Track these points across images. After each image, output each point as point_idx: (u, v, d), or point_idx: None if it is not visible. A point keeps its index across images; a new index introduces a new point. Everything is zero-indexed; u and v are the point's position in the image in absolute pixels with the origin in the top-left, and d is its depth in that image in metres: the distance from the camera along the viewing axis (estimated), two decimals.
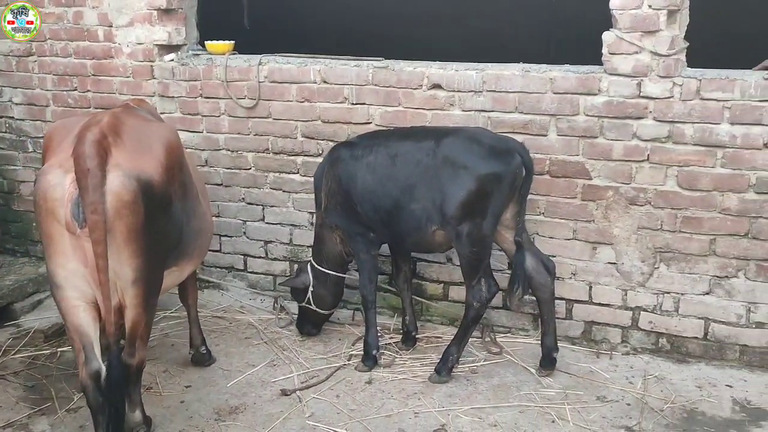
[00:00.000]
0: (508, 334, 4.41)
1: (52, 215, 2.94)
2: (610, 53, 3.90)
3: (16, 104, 5.32)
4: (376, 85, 4.39)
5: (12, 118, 5.36)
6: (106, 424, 3.06)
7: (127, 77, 4.94)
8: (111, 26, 4.88)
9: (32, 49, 5.14)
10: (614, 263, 4.15)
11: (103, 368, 3.03)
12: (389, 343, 4.31)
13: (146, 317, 3.18)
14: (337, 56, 4.57)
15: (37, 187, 3.00)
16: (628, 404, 3.70)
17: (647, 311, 4.14)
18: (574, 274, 4.24)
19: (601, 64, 3.96)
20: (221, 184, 4.93)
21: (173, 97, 4.87)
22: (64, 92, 5.14)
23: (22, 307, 4.76)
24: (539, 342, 4.03)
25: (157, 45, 4.81)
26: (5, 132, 5.42)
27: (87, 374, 3.01)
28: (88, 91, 5.07)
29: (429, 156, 3.72)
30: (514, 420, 3.57)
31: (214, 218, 4.84)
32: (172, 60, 4.83)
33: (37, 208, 3.00)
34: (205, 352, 4.11)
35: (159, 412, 3.64)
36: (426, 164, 3.72)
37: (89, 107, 5.06)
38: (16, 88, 5.28)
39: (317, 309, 4.29)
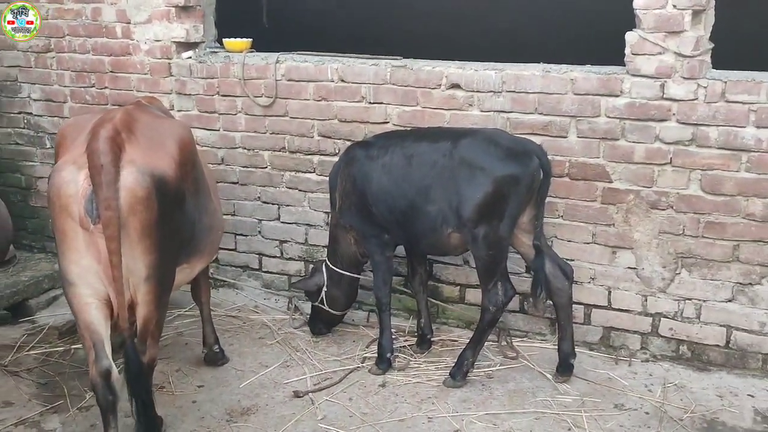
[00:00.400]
0: (525, 339, 4.35)
1: (65, 212, 2.93)
2: (633, 54, 3.82)
3: (35, 100, 5.34)
4: (393, 84, 4.35)
5: (30, 114, 5.39)
6: (136, 418, 3.06)
7: (145, 74, 4.93)
8: (129, 23, 4.88)
9: (51, 45, 5.16)
10: (634, 268, 4.08)
11: (114, 367, 3.02)
12: (404, 346, 4.27)
13: (158, 314, 3.16)
14: (354, 55, 4.53)
15: (51, 183, 3.00)
16: (647, 413, 3.63)
17: (668, 318, 4.06)
18: (592, 279, 4.17)
19: (623, 64, 3.89)
20: (237, 183, 4.91)
21: (190, 94, 4.86)
22: (82, 89, 5.15)
23: (37, 303, 4.77)
24: (556, 347, 3.97)
25: (174, 42, 4.80)
26: (23, 128, 5.45)
27: (97, 372, 3.00)
28: (106, 87, 5.07)
29: (445, 157, 3.67)
30: (530, 427, 3.51)
31: (229, 217, 4.84)
32: (190, 57, 4.82)
33: (50, 204, 3.00)
34: (218, 351, 4.09)
35: (171, 411, 3.62)
36: (442, 165, 3.67)
37: (107, 104, 5.06)
38: (35, 84, 5.30)
39: (330, 309, 4.26)
